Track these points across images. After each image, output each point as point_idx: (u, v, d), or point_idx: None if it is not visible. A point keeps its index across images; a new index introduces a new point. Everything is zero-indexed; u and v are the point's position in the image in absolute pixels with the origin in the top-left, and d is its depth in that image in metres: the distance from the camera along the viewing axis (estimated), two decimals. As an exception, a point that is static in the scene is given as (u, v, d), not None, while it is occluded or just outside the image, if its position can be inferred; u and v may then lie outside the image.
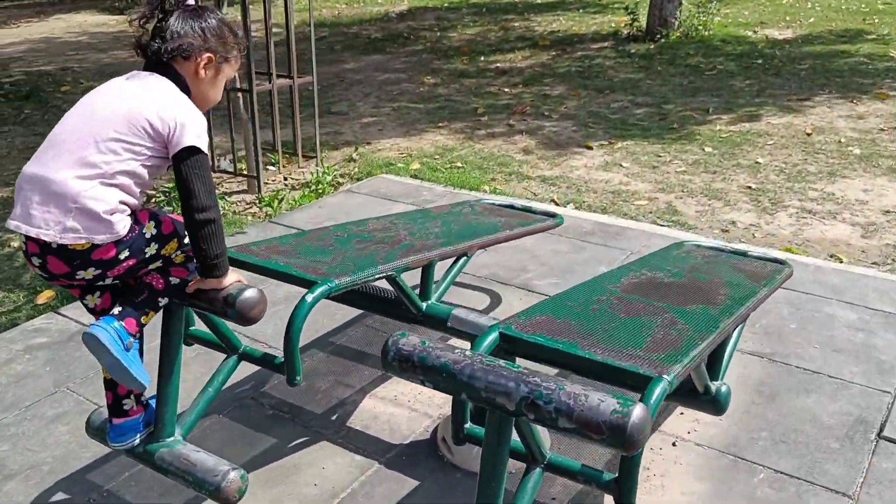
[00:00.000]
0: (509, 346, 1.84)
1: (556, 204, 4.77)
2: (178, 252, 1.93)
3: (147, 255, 1.85)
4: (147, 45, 1.85)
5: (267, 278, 2.36)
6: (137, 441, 2.01)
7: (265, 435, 2.64)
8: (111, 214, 1.75)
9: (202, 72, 1.88)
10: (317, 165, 5.45)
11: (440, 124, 6.60)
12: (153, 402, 2.05)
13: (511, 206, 3.45)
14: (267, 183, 5.38)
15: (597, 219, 4.36)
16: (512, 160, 5.61)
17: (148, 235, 1.85)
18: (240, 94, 5.05)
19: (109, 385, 2.01)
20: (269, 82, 5.03)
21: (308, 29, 5.57)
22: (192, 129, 1.79)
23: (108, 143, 1.74)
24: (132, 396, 2.02)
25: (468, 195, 4.74)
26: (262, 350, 2.29)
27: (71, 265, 1.77)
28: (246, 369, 2.97)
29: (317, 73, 5.39)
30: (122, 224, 1.77)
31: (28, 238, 1.76)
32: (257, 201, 4.99)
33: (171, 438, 1.99)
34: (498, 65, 8.78)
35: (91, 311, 2.00)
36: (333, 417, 2.71)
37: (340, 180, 5.34)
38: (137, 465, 2.38)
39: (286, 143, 5.61)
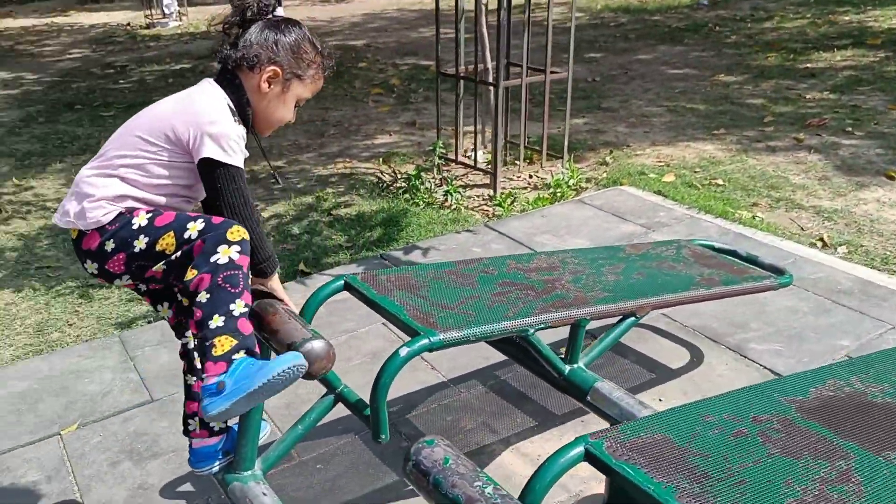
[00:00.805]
0: (597, 467, 1.46)
1: (825, 245, 3.99)
2: (179, 253, 1.69)
3: (136, 250, 1.69)
4: (219, 51, 1.75)
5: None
6: (217, 468, 1.94)
7: (389, 469, 2.48)
8: (96, 201, 1.70)
9: (264, 85, 1.76)
10: (562, 167, 5.15)
11: (715, 131, 5.91)
12: (236, 428, 1.97)
13: (732, 253, 2.90)
14: (511, 179, 5.21)
15: (863, 274, 3.56)
16: (786, 183, 4.83)
17: (135, 226, 1.70)
18: (490, 87, 4.91)
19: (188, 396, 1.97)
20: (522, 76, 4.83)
21: (608, 15, 5.23)
22: (214, 141, 1.67)
23: (129, 139, 1.72)
24: (196, 418, 1.95)
25: (710, 223, 4.15)
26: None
27: (78, 257, 1.77)
28: (401, 388, 2.85)
29: (602, 64, 5.07)
30: (102, 212, 1.69)
31: None
32: (490, 199, 4.84)
33: (248, 472, 1.90)
34: (808, 65, 7.69)
35: (171, 326, 1.96)
36: (464, 466, 2.47)
37: (585, 185, 5.00)
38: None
39: (537, 140, 5.38)
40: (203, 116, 1.69)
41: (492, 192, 4.90)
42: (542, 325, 2.05)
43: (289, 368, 1.58)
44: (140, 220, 1.71)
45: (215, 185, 1.70)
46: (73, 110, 7.41)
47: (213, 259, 1.65)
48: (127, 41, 10.88)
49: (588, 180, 5.08)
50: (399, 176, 5.26)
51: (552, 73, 4.93)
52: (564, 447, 1.47)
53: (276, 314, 1.74)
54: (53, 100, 7.83)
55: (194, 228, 1.69)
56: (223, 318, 1.65)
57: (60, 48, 10.64)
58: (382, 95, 7.47)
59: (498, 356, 2.99)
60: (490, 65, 4.94)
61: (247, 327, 1.68)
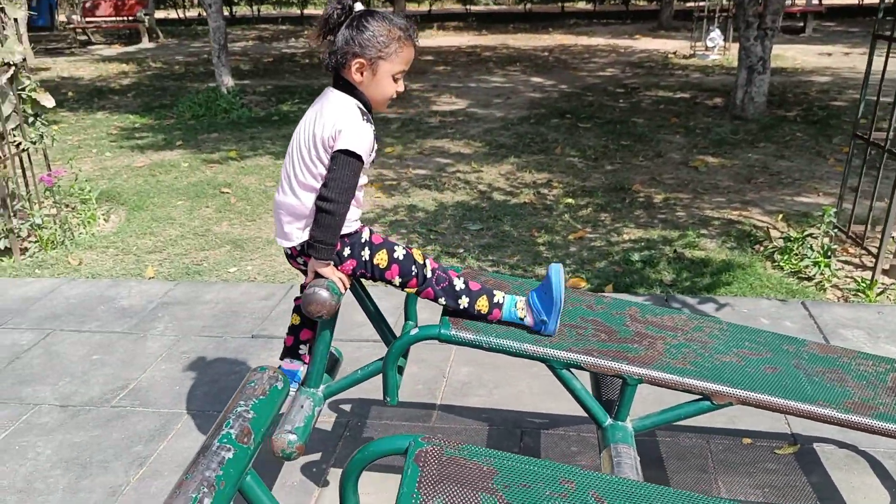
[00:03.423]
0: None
1: None
2: (388, 263, 2.15)
3: (364, 259, 2.15)
4: (324, 62, 2.11)
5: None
6: (292, 390, 2.38)
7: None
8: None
9: (357, 76, 2.06)
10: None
11: None
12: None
13: None
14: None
15: None
16: None
17: (363, 239, 2.17)
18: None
19: (292, 331, 2.45)
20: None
21: None
22: (345, 135, 2.02)
23: (310, 165, 2.07)
24: (308, 344, 2.42)
25: None
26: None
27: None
28: (567, 409, 2.92)
29: None
30: (346, 226, 2.13)
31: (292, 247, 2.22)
32: (856, 281, 4.20)
33: (312, 389, 2.33)
34: None
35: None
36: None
37: None
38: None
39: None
40: (338, 120, 2.03)
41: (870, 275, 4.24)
42: (575, 363, 2.02)
43: (561, 277, 2.14)
44: (365, 234, 2.18)
45: (334, 168, 2.02)
46: (562, 118, 8.39)
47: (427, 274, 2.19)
48: (657, 67, 11.60)
49: None
50: (781, 235, 4.87)
51: None
52: (398, 436, 1.59)
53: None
54: (556, 107, 8.95)
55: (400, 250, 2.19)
56: (462, 296, 2.19)
57: (598, 66, 11.89)
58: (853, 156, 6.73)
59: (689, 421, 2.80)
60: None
61: (474, 285, 2.22)
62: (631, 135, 7.56)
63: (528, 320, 2.17)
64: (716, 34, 12.27)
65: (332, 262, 2.12)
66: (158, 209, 5.65)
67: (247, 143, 7.61)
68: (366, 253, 2.15)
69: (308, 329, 2.45)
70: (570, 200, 5.69)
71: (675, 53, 12.89)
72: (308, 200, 2.08)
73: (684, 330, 2.28)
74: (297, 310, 2.45)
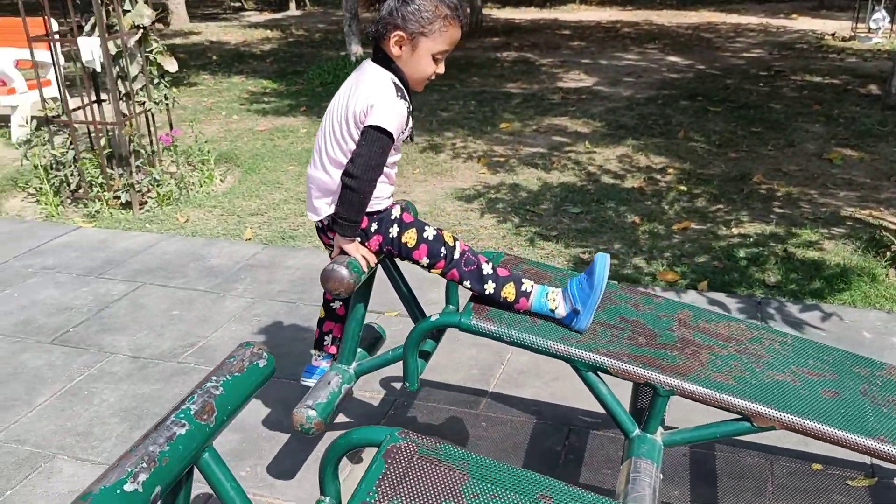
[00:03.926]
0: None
1: None
2: (416, 243, 2.08)
3: (391, 236, 2.08)
4: (367, 31, 2.03)
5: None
6: (312, 383, 2.32)
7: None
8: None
9: (395, 49, 1.96)
10: None
11: None
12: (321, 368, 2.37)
13: None
14: None
15: None
16: None
17: (393, 216, 2.10)
18: None
19: (318, 323, 2.40)
20: None
21: None
22: (377, 111, 1.93)
23: (341, 141, 2.01)
24: (330, 336, 2.38)
25: None
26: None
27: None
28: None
29: None
30: (373, 203, 2.07)
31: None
32: None
33: (343, 366, 2.30)
34: None
35: None
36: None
37: None
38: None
39: None
40: (371, 95, 1.95)
41: None
42: (595, 367, 1.87)
43: (606, 267, 1.98)
44: (395, 212, 2.12)
45: (362, 142, 1.95)
46: (692, 100, 7.94)
47: (455, 256, 2.10)
48: (809, 49, 10.76)
49: None
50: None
51: None
52: (377, 427, 1.52)
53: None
54: (688, 88, 8.48)
55: (430, 231, 2.11)
56: (488, 281, 2.08)
57: (743, 47, 11.16)
58: None
59: (755, 438, 2.57)
60: None
61: (503, 271, 2.11)
62: (764, 121, 7.05)
63: (560, 311, 2.03)
64: (880, 15, 11.21)
65: (356, 240, 2.07)
66: (269, 173, 5.81)
67: (366, 112, 7.68)
68: (394, 230, 2.09)
69: (330, 321, 2.40)
70: (682, 188, 5.38)
71: (832, 35, 11.90)
72: (337, 176, 2.04)
73: (739, 340, 2.07)
74: (324, 303, 2.40)
